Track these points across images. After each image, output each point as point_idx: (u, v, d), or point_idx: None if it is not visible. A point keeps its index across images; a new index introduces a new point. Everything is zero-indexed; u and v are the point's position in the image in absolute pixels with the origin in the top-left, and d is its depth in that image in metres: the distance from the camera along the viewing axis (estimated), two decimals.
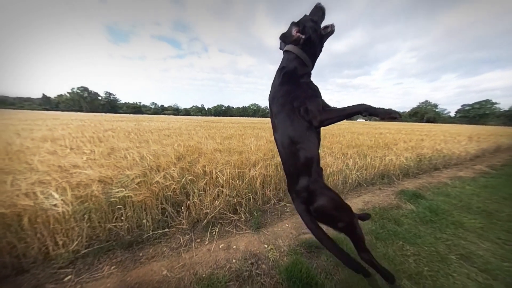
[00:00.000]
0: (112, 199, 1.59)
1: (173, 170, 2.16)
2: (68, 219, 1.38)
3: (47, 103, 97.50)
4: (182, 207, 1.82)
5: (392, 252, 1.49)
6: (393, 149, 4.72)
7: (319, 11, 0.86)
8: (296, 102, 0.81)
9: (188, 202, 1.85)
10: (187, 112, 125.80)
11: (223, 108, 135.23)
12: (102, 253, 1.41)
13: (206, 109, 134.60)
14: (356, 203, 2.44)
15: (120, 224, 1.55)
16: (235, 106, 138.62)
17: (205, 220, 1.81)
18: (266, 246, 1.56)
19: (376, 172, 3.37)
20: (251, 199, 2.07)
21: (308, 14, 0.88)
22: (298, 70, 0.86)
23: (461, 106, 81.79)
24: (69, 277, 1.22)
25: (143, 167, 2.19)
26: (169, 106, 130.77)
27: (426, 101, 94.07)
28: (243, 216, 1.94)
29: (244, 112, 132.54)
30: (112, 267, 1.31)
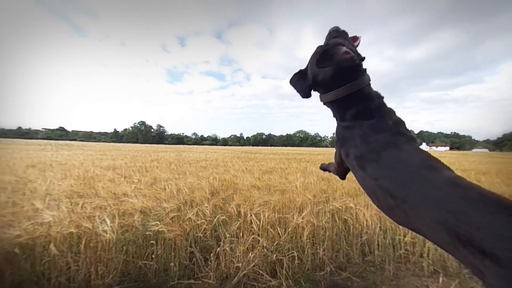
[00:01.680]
0: (147, 233, 1.89)
1: (206, 207, 2.38)
2: (111, 248, 1.74)
3: (115, 136, 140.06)
4: (211, 254, 1.88)
5: None
6: None
7: (344, 34, 0.84)
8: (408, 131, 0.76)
9: (218, 249, 1.90)
10: (225, 142, 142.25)
11: (264, 136, 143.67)
12: None
13: (245, 138, 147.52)
14: None
15: (150, 263, 1.77)
16: (277, 134, 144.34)
17: (236, 278, 1.74)
18: None
19: None
20: (296, 258, 1.86)
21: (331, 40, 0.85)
22: (376, 96, 0.80)
23: None
24: None
25: (179, 200, 2.56)
26: (208, 136, 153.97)
27: None
28: (284, 284, 1.73)
29: (289, 140, 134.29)
30: None
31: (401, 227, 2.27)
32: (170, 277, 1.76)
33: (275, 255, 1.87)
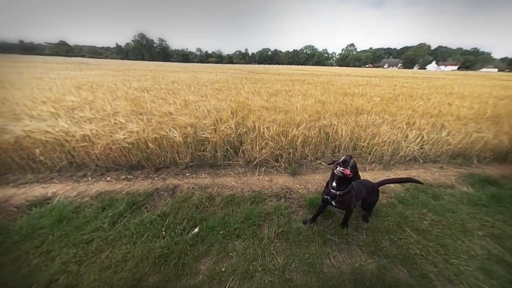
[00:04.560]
0: (199, 138, 2.63)
1: (231, 123, 2.98)
2: (181, 146, 2.55)
3: (120, 52, 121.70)
4: (239, 150, 2.71)
5: (410, 213, 1.85)
6: (505, 123, 3.60)
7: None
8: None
9: (243, 147, 2.71)
10: (230, 60, 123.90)
11: (269, 53, 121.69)
12: (199, 167, 2.60)
13: (250, 54, 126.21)
14: (397, 175, 2.61)
15: (205, 153, 2.65)
16: (283, 50, 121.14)
17: (255, 162, 2.67)
18: (298, 185, 2.28)
19: (447, 150, 3.02)
20: (291, 153, 2.70)
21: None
22: None
23: None
24: (187, 174, 2.47)
25: (211, 118, 3.13)
26: (213, 52, 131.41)
27: None
28: (283, 165, 2.67)
29: (295, 57, 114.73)
30: (205, 174, 2.46)
31: (364, 138, 2.93)
32: (217, 160, 2.70)
33: (278, 151, 2.69)
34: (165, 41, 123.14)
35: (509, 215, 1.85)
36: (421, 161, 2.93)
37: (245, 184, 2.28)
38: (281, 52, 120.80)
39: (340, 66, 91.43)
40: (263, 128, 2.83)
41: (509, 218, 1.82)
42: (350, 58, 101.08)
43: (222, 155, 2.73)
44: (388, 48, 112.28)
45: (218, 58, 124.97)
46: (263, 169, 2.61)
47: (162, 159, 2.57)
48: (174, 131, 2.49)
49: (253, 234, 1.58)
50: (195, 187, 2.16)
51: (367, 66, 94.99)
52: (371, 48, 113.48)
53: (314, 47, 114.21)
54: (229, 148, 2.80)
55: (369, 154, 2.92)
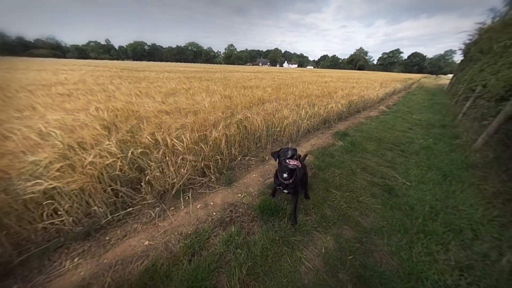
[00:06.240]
0: (28, 196, 1.24)
1: (109, 144, 1.79)
2: None
3: None
4: (142, 183, 1.72)
5: (327, 176, 2.27)
6: (334, 97, 5.80)
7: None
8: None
9: (148, 177, 1.74)
10: (82, 53, 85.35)
11: (146, 47, 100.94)
12: (50, 252, 1.26)
13: (117, 48, 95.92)
14: (305, 147, 3.18)
15: (61, 219, 1.33)
16: (165, 46, 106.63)
17: (174, 190, 1.85)
18: (240, 195, 1.91)
19: (320, 119, 4.23)
20: (219, 160, 2.21)
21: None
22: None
23: (382, 54, 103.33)
24: (15, 286, 1.09)
25: (55, 146, 1.66)
26: (39, 40, 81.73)
27: (361, 48, 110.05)
28: (213, 177, 2.13)
29: (181, 55, 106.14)
30: (76, 259, 1.25)
31: (276, 124, 3.19)
32: (99, 218, 1.51)
33: (202, 163, 2.08)
34: None
35: (361, 153, 2.93)
36: (313, 131, 3.85)
37: (169, 231, 1.47)
38: (162, 47, 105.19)
39: (227, 64, 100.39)
40: (172, 140, 2.02)
41: (362, 154, 2.89)
42: (234, 57, 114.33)
43: (107, 204, 1.56)
44: (259, 50, 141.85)
45: (55, 50, 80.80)
46: (189, 194, 1.89)
47: None
48: None
49: None
50: None
51: (247, 64, 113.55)
52: (246, 49, 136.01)
53: (198, 44, 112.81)
54: (119, 187, 1.68)
55: (283, 136, 3.27)
